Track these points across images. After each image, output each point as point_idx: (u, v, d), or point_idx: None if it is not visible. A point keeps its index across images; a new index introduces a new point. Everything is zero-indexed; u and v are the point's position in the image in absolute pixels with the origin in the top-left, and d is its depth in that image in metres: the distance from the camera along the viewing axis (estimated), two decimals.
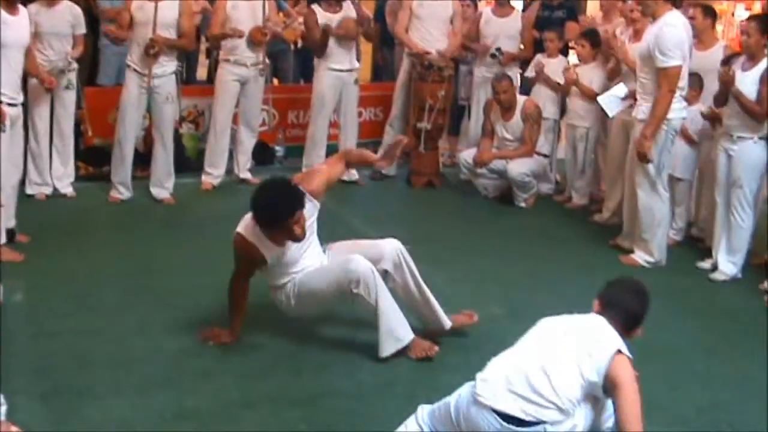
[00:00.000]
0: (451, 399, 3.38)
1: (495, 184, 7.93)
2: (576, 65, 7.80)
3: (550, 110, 8.03)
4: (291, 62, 9.73)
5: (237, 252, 4.42)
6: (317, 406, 3.92)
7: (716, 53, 6.50)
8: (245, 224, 4.37)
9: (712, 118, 6.35)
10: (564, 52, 8.47)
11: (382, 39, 9.67)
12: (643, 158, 5.87)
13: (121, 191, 7.21)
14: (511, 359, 3.31)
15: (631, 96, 6.52)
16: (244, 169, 7.95)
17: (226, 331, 4.55)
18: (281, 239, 4.30)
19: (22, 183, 6.88)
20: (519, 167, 7.62)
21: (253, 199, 4.20)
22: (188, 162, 8.11)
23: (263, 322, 4.82)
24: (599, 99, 7.04)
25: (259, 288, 4.65)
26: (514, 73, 8.42)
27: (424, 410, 3.48)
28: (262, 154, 8.53)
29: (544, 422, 3.12)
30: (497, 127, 7.82)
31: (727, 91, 5.89)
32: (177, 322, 4.79)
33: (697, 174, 6.81)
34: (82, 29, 7.00)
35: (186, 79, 9.62)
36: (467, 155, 8.01)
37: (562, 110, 8.15)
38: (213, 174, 7.77)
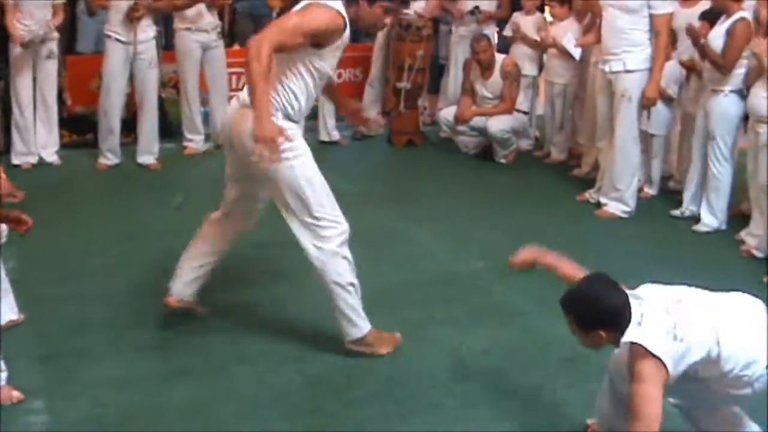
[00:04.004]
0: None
1: (475, 141, 8.03)
2: (551, 23, 7.88)
3: (528, 68, 8.09)
4: None
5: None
6: (311, 360, 4.02)
7: (700, 11, 6.45)
8: None
9: (689, 69, 6.44)
10: (540, 8, 8.52)
11: None
12: (658, 100, 6.20)
13: (110, 157, 7.29)
14: None
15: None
16: None
17: None
18: None
19: (7, 153, 6.97)
20: (499, 124, 7.71)
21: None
22: (171, 127, 8.16)
23: (252, 283, 4.95)
24: (565, 44, 7.31)
25: (248, 246, 4.73)
26: (492, 31, 8.49)
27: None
28: None
29: None
30: (477, 86, 7.89)
31: (695, 45, 6.02)
32: (167, 286, 4.86)
33: (679, 129, 6.91)
34: None
35: (164, 45, 9.63)
36: (447, 113, 8.09)
37: (541, 67, 8.23)
38: (194, 140, 7.82)
